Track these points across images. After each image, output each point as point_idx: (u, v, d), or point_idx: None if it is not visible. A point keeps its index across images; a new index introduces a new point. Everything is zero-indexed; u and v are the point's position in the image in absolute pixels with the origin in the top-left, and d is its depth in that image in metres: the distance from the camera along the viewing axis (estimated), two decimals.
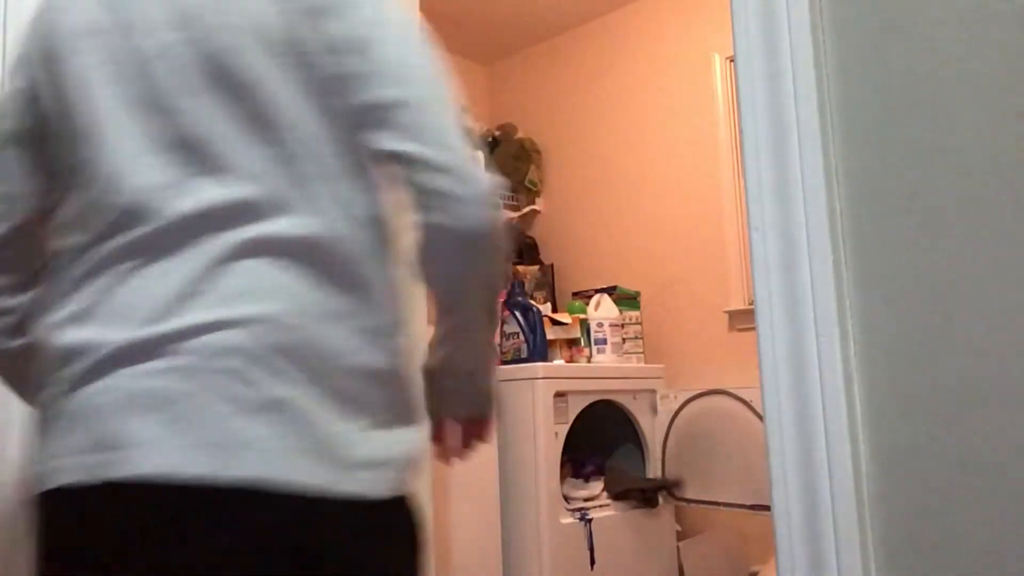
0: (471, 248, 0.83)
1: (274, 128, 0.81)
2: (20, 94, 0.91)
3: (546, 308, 3.07)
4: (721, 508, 2.72)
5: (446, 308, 0.93)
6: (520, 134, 3.78)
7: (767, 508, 0.91)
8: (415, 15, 1.66)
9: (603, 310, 3.06)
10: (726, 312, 3.08)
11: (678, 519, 2.94)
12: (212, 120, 0.81)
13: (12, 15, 1.14)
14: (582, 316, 3.05)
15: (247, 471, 0.72)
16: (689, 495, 2.78)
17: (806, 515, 0.86)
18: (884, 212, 0.85)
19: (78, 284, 0.82)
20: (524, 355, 2.76)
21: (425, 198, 0.81)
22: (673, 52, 3.35)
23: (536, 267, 3.46)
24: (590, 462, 2.84)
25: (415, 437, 0.88)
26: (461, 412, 1.01)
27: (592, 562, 2.63)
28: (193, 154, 0.81)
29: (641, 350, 3.09)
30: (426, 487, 1.46)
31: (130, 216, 0.80)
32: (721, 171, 3.14)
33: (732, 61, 3.11)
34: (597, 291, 3.18)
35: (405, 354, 0.88)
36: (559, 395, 2.64)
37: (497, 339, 2.89)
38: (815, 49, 0.90)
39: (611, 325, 3.03)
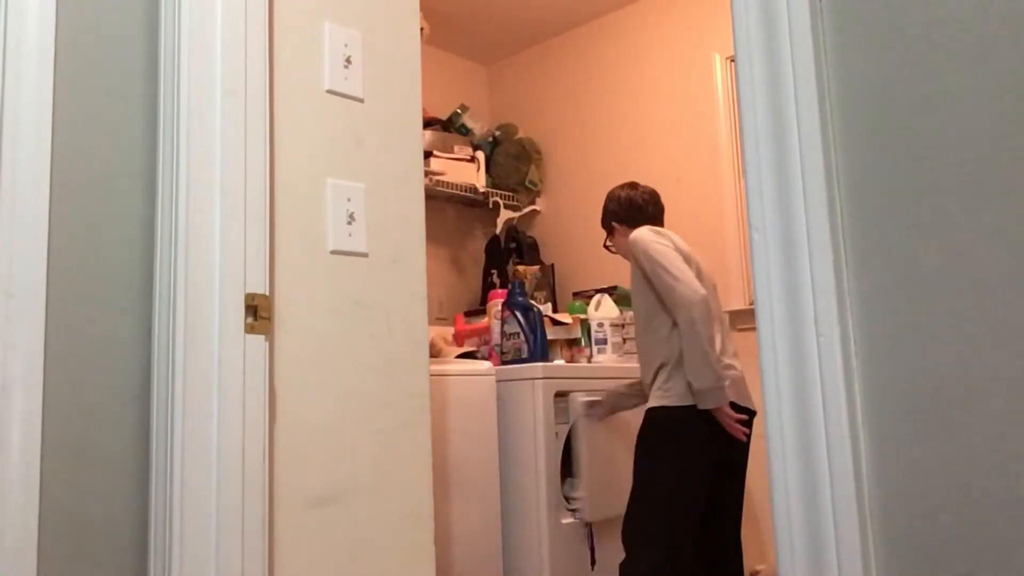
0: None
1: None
2: None
3: (547, 308, 3.06)
4: None
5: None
6: (520, 134, 3.78)
7: None
8: (415, 15, 1.66)
9: (603, 310, 3.06)
10: (726, 312, 3.08)
11: None
12: None
13: (12, 16, 1.14)
14: (582, 316, 3.05)
15: None
16: None
17: (806, 515, 0.86)
18: (885, 212, 0.85)
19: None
20: (524, 355, 2.76)
21: None
22: (673, 52, 3.35)
23: (536, 267, 3.46)
24: None
25: None
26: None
27: (592, 562, 2.63)
28: None
29: None
30: (427, 487, 1.46)
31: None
32: (721, 171, 3.14)
33: (732, 61, 3.10)
34: (597, 291, 3.17)
35: None
36: (559, 395, 2.64)
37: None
38: (815, 49, 0.89)
39: (612, 325, 3.03)
